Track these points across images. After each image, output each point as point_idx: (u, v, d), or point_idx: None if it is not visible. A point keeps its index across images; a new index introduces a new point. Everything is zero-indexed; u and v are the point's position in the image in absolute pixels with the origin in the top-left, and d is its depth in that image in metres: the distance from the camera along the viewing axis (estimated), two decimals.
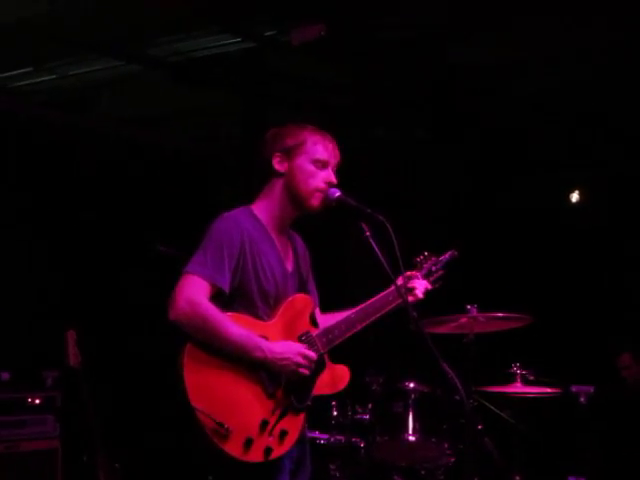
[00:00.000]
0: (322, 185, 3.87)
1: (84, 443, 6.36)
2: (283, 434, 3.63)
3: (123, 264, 7.94)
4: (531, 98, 7.86)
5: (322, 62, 7.29)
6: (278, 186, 3.88)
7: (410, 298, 4.05)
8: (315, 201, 3.88)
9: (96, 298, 7.73)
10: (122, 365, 7.68)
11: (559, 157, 8.29)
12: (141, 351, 7.75)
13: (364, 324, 3.99)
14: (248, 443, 3.51)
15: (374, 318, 4.02)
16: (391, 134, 8.72)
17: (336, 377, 3.91)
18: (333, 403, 5.66)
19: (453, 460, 5.36)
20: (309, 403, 3.78)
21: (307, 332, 3.84)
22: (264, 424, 3.57)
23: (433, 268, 4.33)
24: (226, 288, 3.62)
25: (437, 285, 4.32)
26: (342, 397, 5.67)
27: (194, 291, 3.53)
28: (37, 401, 6.73)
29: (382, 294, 4.05)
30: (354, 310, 3.99)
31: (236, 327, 3.57)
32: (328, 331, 3.88)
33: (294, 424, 3.71)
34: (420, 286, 4.15)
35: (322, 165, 3.89)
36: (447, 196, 8.83)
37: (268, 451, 3.57)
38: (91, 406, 6.31)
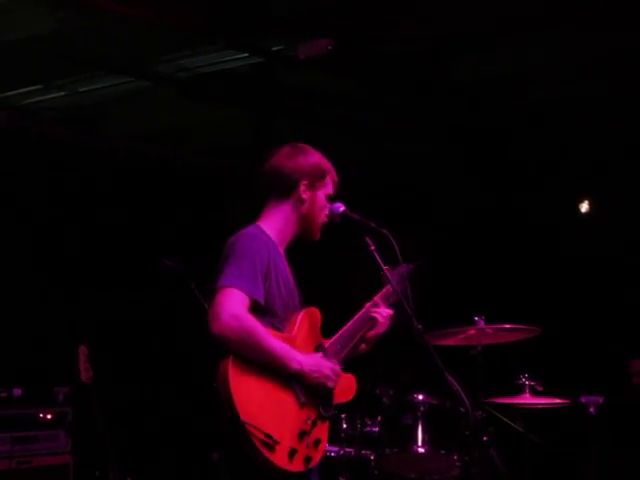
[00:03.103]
0: (325, 219, 3.99)
1: (96, 458, 6.39)
2: (317, 442, 3.73)
3: (133, 279, 7.97)
4: (539, 109, 7.88)
5: (330, 76, 7.33)
6: (292, 210, 3.92)
7: (372, 332, 4.09)
8: (319, 234, 4.01)
9: (107, 313, 7.76)
10: (133, 380, 7.71)
11: (569, 168, 8.29)
12: (152, 365, 7.78)
13: (362, 332, 4.06)
14: (292, 453, 3.57)
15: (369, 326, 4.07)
16: (399, 147, 8.74)
17: (347, 386, 3.99)
18: (343, 416, 5.67)
19: (462, 472, 5.35)
20: (334, 411, 3.86)
21: (321, 344, 3.91)
22: (302, 434, 3.64)
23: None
24: (262, 300, 3.65)
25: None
26: (352, 410, 5.68)
27: (237, 305, 3.54)
28: (49, 417, 6.78)
29: (369, 303, 4.12)
30: (352, 319, 4.06)
31: (276, 340, 3.63)
32: (335, 342, 3.96)
33: (324, 432, 3.81)
34: (382, 317, 4.10)
35: (330, 201, 4.00)
36: (455, 209, 8.84)
37: (308, 460, 3.66)
38: (102, 421, 6.34)
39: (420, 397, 5.54)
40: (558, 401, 5.72)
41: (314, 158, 3.97)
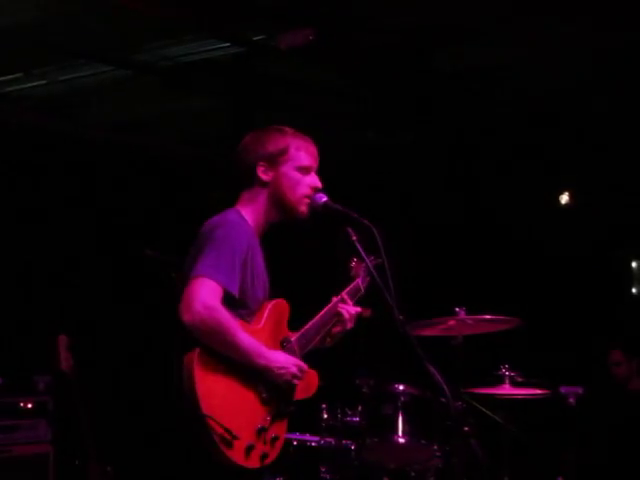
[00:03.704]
0: (309, 191, 3.88)
1: (76, 447, 6.39)
2: (274, 440, 3.67)
3: (113, 268, 7.96)
4: (519, 100, 7.91)
5: (311, 66, 7.32)
6: (263, 194, 3.85)
7: (338, 328, 4.06)
8: (303, 208, 3.88)
9: (86, 302, 7.75)
10: (114, 369, 7.71)
11: (548, 159, 8.32)
12: (132, 354, 7.77)
13: (328, 327, 4.03)
14: (249, 449, 3.52)
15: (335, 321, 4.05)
16: (380, 138, 8.75)
17: (308, 382, 3.92)
18: (323, 406, 5.65)
19: (443, 462, 5.37)
20: (293, 408, 3.81)
21: (286, 337, 3.86)
22: (261, 430, 3.59)
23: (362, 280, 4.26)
24: (236, 293, 3.60)
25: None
26: (332, 400, 5.69)
27: (210, 295, 3.47)
28: (29, 406, 6.76)
29: (337, 298, 4.09)
30: (320, 314, 4.01)
31: (245, 334, 3.57)
32: (302, 336, 3.91)
33: (282, 429, 3.75)
34: (348, 314, 4.07)
35: (306, 171, 3.89)
36: (435, 199, 8.86)
37: (264, 457, 3.61)
38: (83, 410, 6.34)
39: (401, 387, 5.54)
40: (538, 392, 5.76)
41: (268, 136, 3.87)
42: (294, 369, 3.70)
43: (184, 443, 3.54)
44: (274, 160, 3.85)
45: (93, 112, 8.15)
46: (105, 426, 6.74)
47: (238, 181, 3.90)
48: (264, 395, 3.64)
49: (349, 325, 4.08)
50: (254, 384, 3.62)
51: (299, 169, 3.88)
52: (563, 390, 5.89)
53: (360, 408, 5.65)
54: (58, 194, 7.88)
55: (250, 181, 3.86)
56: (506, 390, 5.71)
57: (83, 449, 6.29)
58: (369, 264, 3.86)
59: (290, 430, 5.71)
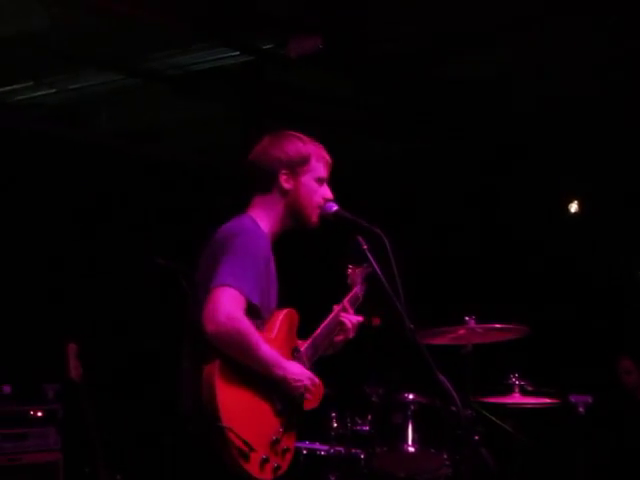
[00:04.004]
0: (322, 202, 3.87)
1: (86, 455, 6.38)
2: (285, 451, 3.64)
3: (124, 277, 7.96)
4: (529, 110, 7.90)
5: (320, 74, 7.33)
6: (280, 202, 3.82)
7: (340, 337, 4.01)
8: (316, 218, 3.87)
9: (96, 311, 7.76)
10: (123, 377, 7.71)
11: (558, 168, 8.32)
12: (142, 363, 7.77)
13: (332, 335, 4.00)
14: (264, 462, 3.49)
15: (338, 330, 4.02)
16: (390, 147, 8.76)
17: (316, 393, 3.83)
18: (333, 414, 5.67)
19: (452, 471, 5.37)
20: (301, 419, 3.79)
21: (296, 347, 3.83)
22: (275, 442, 3.56)
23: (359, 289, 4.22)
24: (258, 303, 3.57)
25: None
26: (342, 408, 5.69)
27: (234, 305, 3.43)
28: (39, 414, 6.77)
29: (338, 306, 4.05)
30: (324, 323, 3.98)
31: (266, 345, 3.54)
32: (310, 346, 3.88)
33: (292, 441, 3.72)
34: (350, 323, 4.04)
35: (322, 182, 3.89)
36: (446, 208, 8.86)
37: (277, 469, 3.56)
38: (92, 418, 6.34)
39: (410, 396, 5.54)
40: (547, 401, 5.75)
41: (291, 145, 3.84)
42: (308, 382, 3.67)
43: (199, 455, 3.50)
44: (295, 169, 3.82)
45: (103, 120, 8.16)
46: (114, 434, 6.75)
47: (252, 186, 3.85)
48: (278, 407, 3.61)
49: (351, 334, 4.04)
50: (269, 395, 3.59)
51: (317, 180, 3.87)
52: (573, 399, 5.87)
53: (370, 417, 5.66)
54: (68, 202, 7.89)
55: (267, 187, 3.82)
56: (516, 399, 5.70)
57: (92, 457, 6.29)
58: (378, 271, 3.82)
59: (300, 439, 5.75)
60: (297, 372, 3.65)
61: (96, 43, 6.65)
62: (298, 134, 3.93)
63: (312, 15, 6.42)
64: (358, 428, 5.63)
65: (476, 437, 5.24)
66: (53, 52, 6.70)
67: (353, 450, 5.55)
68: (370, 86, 7.59)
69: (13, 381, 6.84)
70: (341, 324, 4.01)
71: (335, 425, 5.65)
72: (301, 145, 3.87)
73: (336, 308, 4.03)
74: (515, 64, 7.08)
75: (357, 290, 4.18)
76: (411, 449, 5.44)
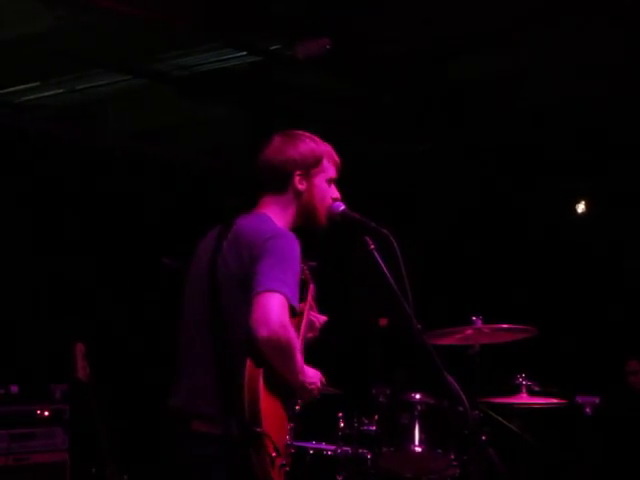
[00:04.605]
0: (330, 203, 3.85)
1: (92, 455, 6.39)
2: (291, 454, 3.61)
3: (130, 276, 7.97)
4: (536, 110, 7.90)
5: (327, 76, 7.34)
6: (294, 202, 3.78)
7: (310, 335, 3.95)
8: (325, 220, 3.85)
9: (104, 311, 7.77)
10: (130, 377, 7.71)
11: (565, 168, 8.31)
12: (150, 362, 7.78)
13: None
14: (281, 467, 3.46)
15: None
16: (396, 147, 8.76)
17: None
18: (340, 414, 5.67)
19: (459, 471, 5.36)
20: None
21: None
22: (288, 447, 3.55)
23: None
24: (298, 309, 3.51)
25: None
26: (349, 408, 5.69)
27: (284, 313, 3.36)
28: (46, 414, 6.78)
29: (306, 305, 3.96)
30: (303, 322, 3.90)
31: (299, 353, 3.52)
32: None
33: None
34: (318, 322, 4.01)
35: (331, 182, 3.87)
36: (452, 209, 8.86)
37: (287, 473, 3.53)
38: (99, 419, 6.34)
39: (417, 396, 5.54)
40: (554, 401, 5.74)
41: (305, 145, 3.80)
42: (319, 383, 3.67)
43: (227, 458, 3.46)
44: (309, 170, 3.79)
45: (109, 121, 8.18)
46: (121, 434, 6.75)
47: (264, 186, 3.80)
48: (291, 412, 3.60)
49: (316, 333, 4.02)
50: (288, 401, 3.58)
51: (328, 181, 3.85)
52: (580, 400, 5.87)
53: (376, 417, 5.65)
54: (74, 203, 7.90)
55: (281, 188, 3.78)
56: (523, 399, 5.69)
57: (100, 457, 6.30)
58: (385, 272, 3.78)
59: (306, 439, 5.76)
60: (310, 374, 3.63)
61: (103, 44, 6.64)
62: (309, 134, 3.89)
63: (319, 16, 6.42)
64: (365, 428, 5.62)
65: (483, 437, 5.24)
66: (59, 53, 6.70)
67: (360, 450, 5.55)
68: (377, 87, 7.58)
69: (20, 381, 6.86)
70: (311, 322, 3.98)
71: (342, 425, 5.64)
72: (314, 146, 3.83)
73: (304, 306, 3.90)
74: (523, 63, 7.06)
75: (312, 286, 4.13)
76: (418, 449, 5.43)
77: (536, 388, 5.71)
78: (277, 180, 3.77)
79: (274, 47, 6.80)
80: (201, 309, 3.62)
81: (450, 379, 3.57)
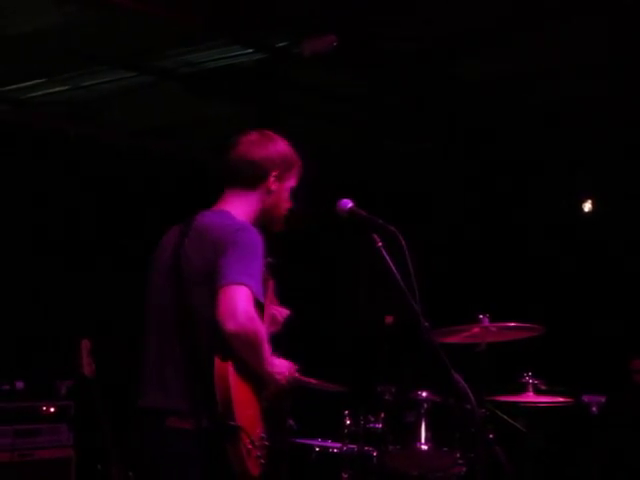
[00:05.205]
0: (286, 212, 3.89)
1: (98, 452, 6.39)
2: (265, 446, 3.62)
3: (137, 273, 7.96)
4: (542, 109, 7.89)
5: (334, 73, 7.33)
6: (260, 201, 3.80)
7: (272, 329, 3.93)
8: (282, 224, 3.89)
9: (109, 307, 7.76)
10: (136, 374, 7.70)
11: (571, 167, 8.30)
12: None
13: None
14: (257, 459, 3.50)
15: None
16: (400, 146, 8.75)
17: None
18: (346, 412, 5.67)
19: (465, 469, 5.36)
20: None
21: None
22: (262, 439, 3.57)
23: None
24: (263, 301, 3.56)
25: None
26: (355, 406, 5.69)
27: (250, 305, 3.40)
28: (51, 410, 6.79)
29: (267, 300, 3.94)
30: (266, 315, 3.90)
31: (267, 344, 3.55)
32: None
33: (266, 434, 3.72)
34: (280, 316, 4.02)
35: (292, 191, 3.90)
36: (459, 207, 8.85)
37: (262, 465, 3.55)
38: (105, 415, 6.34)
39: (423, 394, 5.55)
40: (561, 400, 5.73)
41: (285, 148, 3.83)
42: (287, 373, 3.70)
43: (201, 452, 3.46)
44: (283, 173, 3.82)
45: (115, 118, 8.18)
46: (127, 431, 6.74)
47: (233, 179, 3.80)
48: (264, 403, 3.64)
49: (278, 327, 4.02)
50: (259, 392, 3.60)
51: (291, 189, 3.88)
52: (586, 399, 5.86)
53: (382, 415, 5.66)
54: (80, 199, 7.90)
55: (253, 184, 3.78)
56: (529, 398, 5.68)
57: (105, 453, 6.30)
58: (393, 269, 3.77)
59: (312, 436, 5.75)
60: (277, 364, 3.66)
61: (109, 40, 6.63)
62: (288, 142, 3.90)
63: (325, 14, 6.41)
64: (371, 426, 5.63)
65: (491, 436, 5.24)
66: (66, 49, 6.70)
67: (366, 448, 5.55)
68: (384, 84, 7.57)
69: (26, 377, 6.86)
70: (274, 316, 3.98)
71: (348, 423, 5.65)
72: (291, 151, 3.87)
73: (266, 302, 3.91)
74: (531, 62, 7.04)
75: (272, 282, 4.08)
76: (424, 447, 5.44)
77: (542, 387, 5.70)
78: (252, 176, 3.78)
79: (280, 44, 6.79)
80: (166, 307, 3.64)
81: (457, 377, 3.57)
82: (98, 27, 6.43)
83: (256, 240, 3.58)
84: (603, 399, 5.84)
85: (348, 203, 3.88)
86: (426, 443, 5.45)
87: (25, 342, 7.25)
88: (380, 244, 3.81)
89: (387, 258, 3.80)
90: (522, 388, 5.73)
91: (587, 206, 8.50)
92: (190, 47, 6.85)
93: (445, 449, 5.45)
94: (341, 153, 8.33)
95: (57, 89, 7.54)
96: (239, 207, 3.75)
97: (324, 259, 8.09)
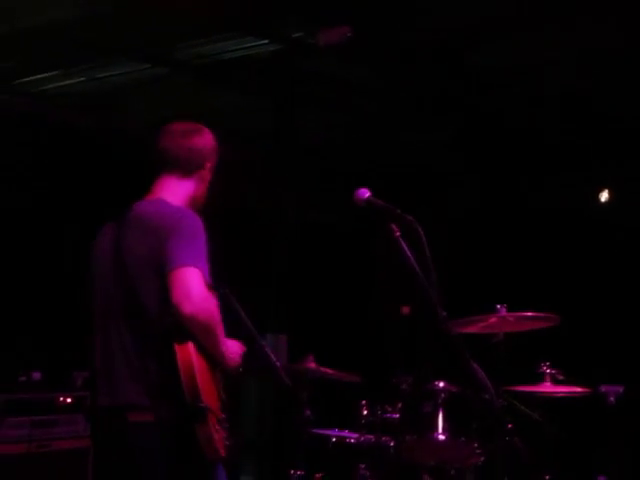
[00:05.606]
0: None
1: None
2: (227, 428, 3.64)
3: None
4: (558, 98, 7.86)
5: (349, 64, 7.31)
6: (191, 189, 3.86)
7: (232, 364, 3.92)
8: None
9: None
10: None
11: (589, 157, 8.27)
12: None
13: None
14: (224, 440, 3.53)
15: None
16: (416, 136, 8.73)
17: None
18: (363, 402, 5.67)
19: (482, 460, 5.34)
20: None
21: None
22: (224, 420, 3.59)
23: None
24: (210, 284, 3.57)
25: None
26: (372, 396, 5.69)
27: (203, 286, 3.43)
28: (68, 401, 6.79)
29: None
30: None
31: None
32: None
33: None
34: (236, 353, 3.96)
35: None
36: (476, 197, 8.83)
37: (227, 447, 3.58)
38: None
39: (441, 385, 5.53)
40: (578, 390, 5.71)
41: (214, 140, 3.95)
42: (240, 353, 3.72)
43: (170, 444, 3.47)
44: (213, 164, 3.93)
45: (130, 109, 8.18)
46: None
47: (170, 165, 3.85)
48: (221, 384, 3.66)
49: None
50: (215, 373, 3.62)
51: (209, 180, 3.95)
52: (603, 389, 5.83)
53: (400, 405, 5.65)
54: (95, 190, 7.91)
55: (189, 171, 3.85)
56: (547, 388, 5.66)
57: None
58: (411, 259, 3.77)
59: (329, 426, 5.75)
60: (231, 344, 3.68)
61: (124, 32, 6.64)
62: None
63: (340, 4, 6.40)
64: (388, 416, 5.62)
65: (509, 426, 5.22)
66: (80, 42, 6.70)
67: (383, 438, 5.54)
68: (399, 75, 7.55)
69: (43, 368, 6.86)
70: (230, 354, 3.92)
71: (365, 413, 5.64)
72: (216, 143, 3.96)
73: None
74: (547, 51, 7.01)
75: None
76: (441, 437, 5.42)
77: (560, 377, 5.67)
78: (190, 162, 3.85)
79: (296, 35, 6.78)
80: (112, 299, 3.65)
81: (476, 367, 3.55)
82: (112, 19, 6.43)
83: (198, 224, 3.61)
84: (621, 389, 5.81)
85: (365, 193, 3.86)
86: (443, 433, 5.43)
87: (41, 334, 7.25)
88: (398, 234, 3.80)
89: (405, 248, 3.79)
90: (539, 378, 5.71)
91: (604, 195, 8.48)
92: (205, 38, 6.85)
93: (462, 439, 5.43)
94: (356, 144, 8.37)
95: (71, 81, 7.55)
96: (174, 194, 3.81)
97: (340, 250, 8.09)
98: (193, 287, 3.40)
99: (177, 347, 3.43)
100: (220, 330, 3.53)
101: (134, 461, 3.51)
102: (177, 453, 3.47)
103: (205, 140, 3.91)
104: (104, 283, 3.72)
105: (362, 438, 5.57)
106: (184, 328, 3.41)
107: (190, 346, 3.43)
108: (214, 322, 3.48)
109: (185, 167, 3.84)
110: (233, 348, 3.69)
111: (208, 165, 3.88)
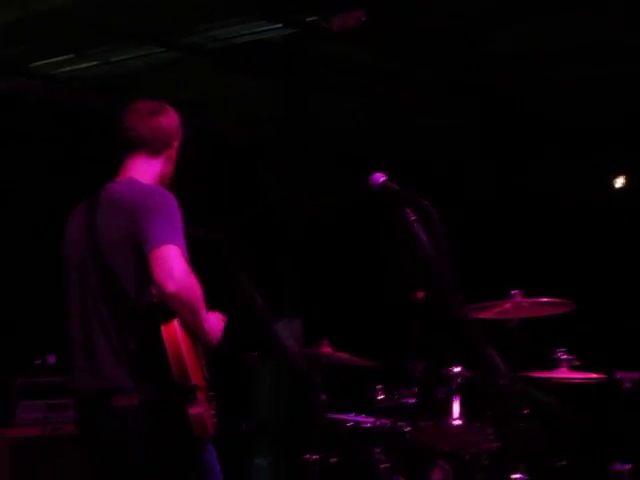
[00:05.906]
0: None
1: None
2: (213, 407, 3.66)
3: None
4: (573, 83, 7.82)
5: (363, 48, 7.28)
6: (160, 167, 3.89)
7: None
8: None
9: None
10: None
11: (603, 143, 8.23)
12: None
13: None
14: (213, 417, 3.55)
15: None
16: (431, 121, 8.69)
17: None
18: (379, 387, 5.67)
19: (497, 445, 5.33)
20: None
21: None
22: (211, 398, 3.61)
23: None
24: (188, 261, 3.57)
25: None
26: (388, 381, 5.68)
27: (184, 263, 3.44)
28: None
29: None
30: None
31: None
32: None
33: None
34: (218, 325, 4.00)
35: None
36: (491, 182, 8.80)
37: (213, 424, 3.58)
38: None
39: (456, 370, 5.52)
40: (594, 376, 5.69)
41: (179, 120, 3.99)
42: (221, 325, 3.73)
43: (156, 426, 3.48)
44: (178, 143, 3.97)
45: (143, 93, 8.12)
46: None
47: (138, 144, 3.86)
48: (204, 361, 3.66)
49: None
50: (198, 351, 3.62)
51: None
52: (619, 375, 5.82)
53: (416, 390, 5.65)
54: (108, 173, 7.90)
55: (157, 150, 3.89)
56: (562, 374, 5.64)
57: None
58: (426, 244, 3.76)
59: (345, 411, 5.75)
60: (213, 319, 3.69)
61: (137, 15, 6.61)
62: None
63: None
64: (404, 401, 5.62)
65: (525, 411, 5.21)
66: (94, 25, 6.68)
67: (399, 423, 5.54)
68: (413, 59, 7.52)
69: (58, 351, 6.87)
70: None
71: (381, 398, 5.64)
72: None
73: None
74: (563, 37, 6.96)
75: None
76: (456, 423, 5.42)
77: (575, 363, 5.66)
78: (158, 141, 3.88)
79: (309, 19, 6.75)
80: (89, 280, 3.67)
81: (492, 352, 3.54)
82: (126, 2, 6.41)
83: (172, 201, 3.65)
84: (636, 376, 5.80)
85: (381, 177, 3.84)
86: (458, 419, 5.43)
87: (57, 316, 7.25)
88: (413, 218, 3.78)
89: (420, 232, 3.76)
90: (555, 364, 5.69)
91: (619, 182, 8.44)
92: (218, 22, 6.82)
93: (477, 425, 5.43)
94: (371, 128, 8.34)
95: (86, 65, 7.54)
96: (144, 173, 3.83)
97: (355, 234, 8.07)
98: (174, 265, 3.39)
99: (163, 327, 3.43)
100: (202, 306, 3.53)
101: (120, 445, 3.51)
102: (165, 435, 3.46)
103: (171, 119, 3.94)
104: (80, 265, 3.73)
105: (378, 423, 5.57)
106: (167, 307, 3.42)
107: (175, 325, 3.43)
108: (197, 298, 3.48)
109: (153, 147, 3.87)
110: (215, 322, 3.69)
111: (175, 144, 3.92)
